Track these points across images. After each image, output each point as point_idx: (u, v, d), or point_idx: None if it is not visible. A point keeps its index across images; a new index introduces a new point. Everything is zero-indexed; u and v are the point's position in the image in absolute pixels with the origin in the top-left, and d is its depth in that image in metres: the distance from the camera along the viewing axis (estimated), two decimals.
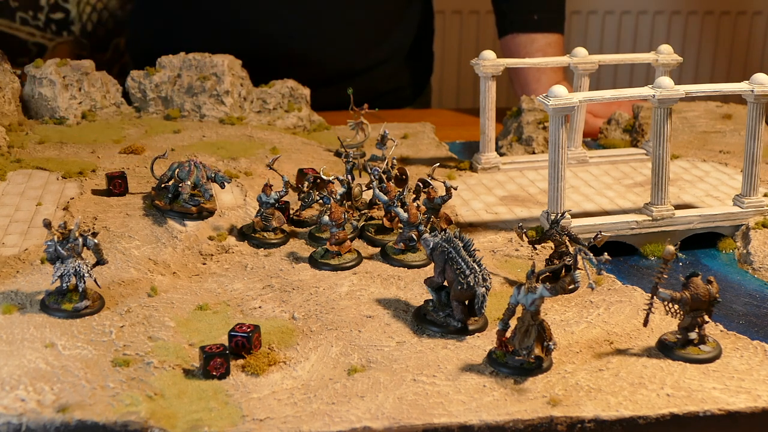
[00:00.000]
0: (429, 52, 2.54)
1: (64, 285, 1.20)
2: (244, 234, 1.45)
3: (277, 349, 1.15)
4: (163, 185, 1.51)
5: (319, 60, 2.26)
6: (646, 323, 1.17)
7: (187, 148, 1.79)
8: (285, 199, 1.49)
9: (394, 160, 1.58)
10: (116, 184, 1.55)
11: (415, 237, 1.39)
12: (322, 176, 1.49)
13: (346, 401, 1.05)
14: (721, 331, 1.22)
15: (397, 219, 1.43)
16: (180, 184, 1.47)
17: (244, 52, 2.07)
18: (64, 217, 1.47)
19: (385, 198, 1.44)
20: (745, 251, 1.46)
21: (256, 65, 2.10)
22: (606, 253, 1.19)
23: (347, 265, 1.36)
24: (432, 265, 1.27)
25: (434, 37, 2.58)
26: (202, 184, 1.48)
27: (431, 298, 1.23)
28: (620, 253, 1.45)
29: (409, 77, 2.48)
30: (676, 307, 1.15)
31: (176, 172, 1.49)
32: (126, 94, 2.02)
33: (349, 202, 1.50)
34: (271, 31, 2.21)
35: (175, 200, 1.47)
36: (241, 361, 1.11)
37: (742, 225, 1.50)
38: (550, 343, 1.10)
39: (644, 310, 1.17)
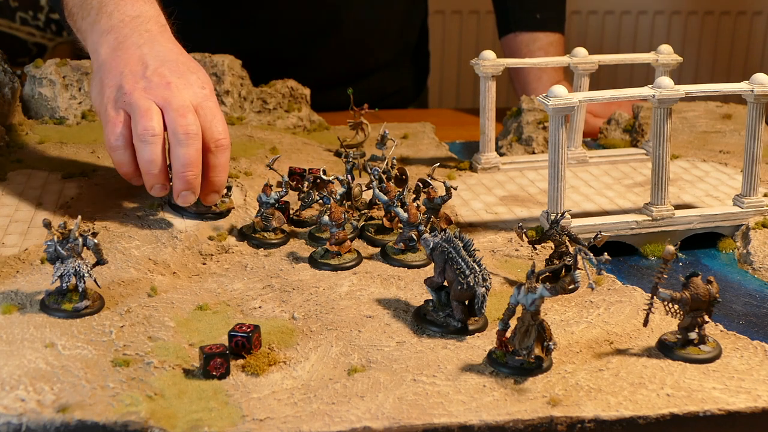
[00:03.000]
0: (426, 52, 2.56)
1: (64, 285, 1.20)
2: (244, 234, 1.45)
3: (277, 349, 1.15)
4: None
5: (329, 61, 2.26)
6: (646, 323, 1.17)
7: None
8: (285, 199, 1.49)
9: (394, 160, 1.58)
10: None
11: (415, 237, 1.39)
12: (322, 176, 1.50)
13: (346, 401, 1.05)
14: (721, 331, 1.22)
15: (397, 219, 1.43)
16: None
17: (250, 53, 2.07)
18: (64, 217, 1.47)
19: (385, 198, 1.44)
20: (745, 251, 1.46)
21: (266, 66, 2.09)
22: (606, 253, 1.19)
23: (347, 265, 1.36)
24: (432, 265, 1.27)
25: (432, 37, 2.59)
26: None
27: (431, 298, 1.23)
28: (620, 253, 1.45)
29: (412, 77, 2.49)
30: (676, 307, 1.15)
31: None
32: None
33: (349, 202, 1.50)
34: (282, 33, 2.21)
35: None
36: (241, 361, 1.11)
37: (742, 225, 1.50)
38: (550, 343, 1.10)
39: (644, 310, 1.17)
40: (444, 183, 1.44)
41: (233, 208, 1.51)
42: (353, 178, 1.57)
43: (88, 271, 1.20)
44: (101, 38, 1.48)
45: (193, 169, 1.38)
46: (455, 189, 1.45)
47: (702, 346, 1.16)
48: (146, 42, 1.46)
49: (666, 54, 1.74)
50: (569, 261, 1.28)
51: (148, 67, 1.42)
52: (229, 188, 1.50)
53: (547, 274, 1.29)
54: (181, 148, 1.37)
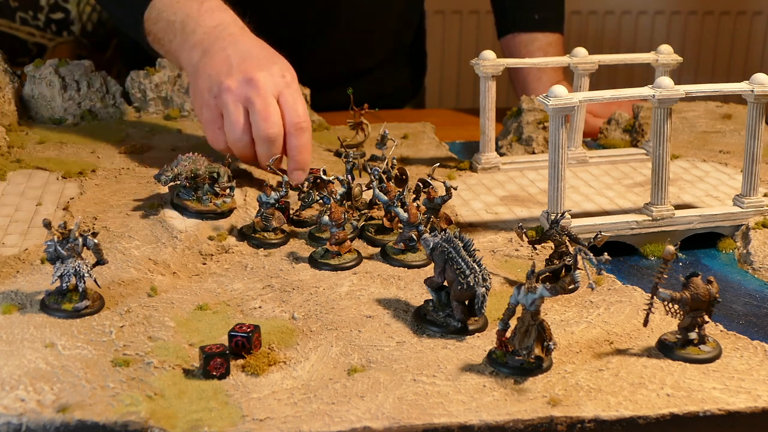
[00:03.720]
0: (423, 51, 2.56)
1: (64, 285, 1.20)
2: (244, 234, 1.45)
3: (277, 349, 1.15)
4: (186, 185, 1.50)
5: (328, 61, 2.26)
6: (646, 323, 1.17)
7: (187, 149, 1.79)
8: (285, 199, 1.49)
9: (394, 160, 1.58)
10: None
11: (415, 237, 1.39)
12: (322, 176, 1.50)
13: (346, 401, 1.05)
14: (721, 331, 1.22)
15: (397, 219, 1.43)
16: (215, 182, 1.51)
17: None
18: (64, 217, 1.47)
19: (385, 198, 1.44)
20: (745, 251, 1.46)
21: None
22: (606, 253, 1.19)
23: (347, 265, 1.36)
24: (432, 265, 1.27)
25: (432, 37, 2.59)
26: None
27: (431, 298, 1.23)
28: (620, 253, 1.45)
29: (409, 77, 2.49)
30: (676, 307, 1.15)
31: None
32: (126, 94, 2.02)
33: (349, 202, 1.50)
34: (281, 33, 2.21)
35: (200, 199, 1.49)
36: (241, 361, 1.11)
37: (742, 225, 1.50)
38: (550, 343, 1.10)
39: (644, 310, 1.17)
40: (444, 183, 1.44)
41: (234, 208, 1.51)
42: (353, 178, 1.57)
43: (88, 271, 1.20)
44: (191, 53, 1.65)
45: (278, 162, 1.55)
46: (455, 189, 1.45)
47: (702, 346, 1.16)
48: (229, 44, 1.61)
49: (666, 54, 1.74)
50: (569, 261, 1.28)
51: (232, 66, 1.58)
52: (231, 188, 1.50)
53: (547, 274, 1.29)
54: (264, 149, 1.56)
